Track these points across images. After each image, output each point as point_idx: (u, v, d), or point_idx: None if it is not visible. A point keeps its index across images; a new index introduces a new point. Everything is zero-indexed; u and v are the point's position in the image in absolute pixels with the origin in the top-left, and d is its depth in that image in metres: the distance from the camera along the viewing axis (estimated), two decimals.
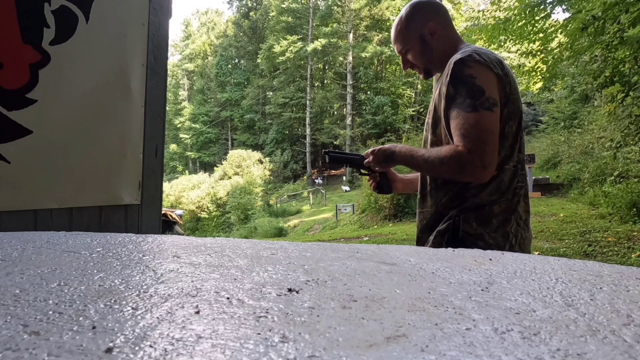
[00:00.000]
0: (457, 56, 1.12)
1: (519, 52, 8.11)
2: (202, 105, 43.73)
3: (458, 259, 0.62)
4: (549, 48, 7.33)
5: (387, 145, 1.31)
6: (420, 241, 1.26)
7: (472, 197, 1.13)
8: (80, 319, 0.34)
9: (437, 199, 1.21)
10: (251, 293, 0.42)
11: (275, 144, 35.69)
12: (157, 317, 0.34)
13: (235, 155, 30.47)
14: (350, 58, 31.75)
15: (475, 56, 1.08)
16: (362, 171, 1.44)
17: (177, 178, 34.13)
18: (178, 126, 44.20)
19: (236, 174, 28.63)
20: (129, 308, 0.37)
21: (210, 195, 26.99)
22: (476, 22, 8.80)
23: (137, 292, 0.42)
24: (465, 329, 0.33)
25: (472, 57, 1.08)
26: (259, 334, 0.31)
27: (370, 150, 1.34)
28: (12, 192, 1.22)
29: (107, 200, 1.44)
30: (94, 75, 1.40)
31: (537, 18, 6.68)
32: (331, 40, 31.56)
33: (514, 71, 1.32)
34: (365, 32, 31.37)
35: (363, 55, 30.06)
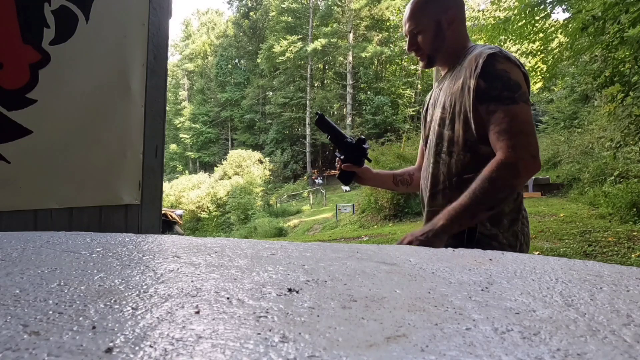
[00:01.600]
0: (485, 51, 1.11)
1: (519, 52, 8.11)
2: (202, 105, 43.74)
3: (458, 259, 0.62)
4: (549, 48, 7.34)
5: (427, 228, 1.10)
6: None
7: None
8: (80, 319, 0.34)
9: (452, 197, 1.13)
10: (251, 293, 0.42)
11: (275, 144, 35.69)
12: (157, 317, 0.34)
13: (235, 155, 30.47)
14: (350, 58, 31.75)
15: (506, 52, 1.10)
16: (336, 154, 1.45)
17: (177, 178, 34.13)
18: (178, 126, 44.21)
19: (236, 174, 28.63)
20: (129, 308, 0.37)
21: (210, 195, 26.99)
22: (476, 22, 8.80)
23: (137, 292, 0.42)
24: (465, 329, 0.33)
25: (502, 53, 1.09)
26: (259, 334, 0.31)
27: (411, 239, 1.11)
28: (12, 192, 1.22)
29: (107, 200, 1.44)
30: (94, 75, 1.40)
31: (537, 18, 6.68)
32: (331, 40, 31.56)
33: None
34: (365, 32, 31.37)
35: (363, 55, 30.07)
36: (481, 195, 1.02)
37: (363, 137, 1.45)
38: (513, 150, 1.01)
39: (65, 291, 0.42)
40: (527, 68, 7.81)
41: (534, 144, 1.03)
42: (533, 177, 10.53)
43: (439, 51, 1.26)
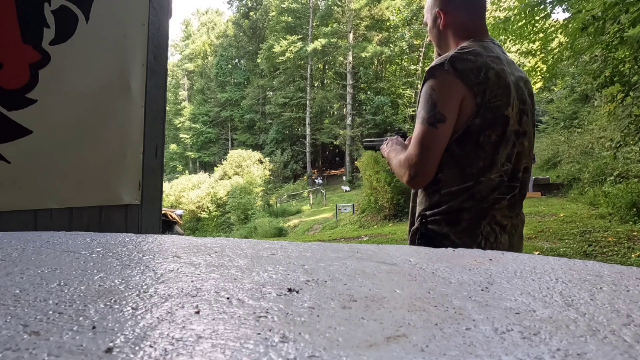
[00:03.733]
0: (434, 62, 1.14)
1: (518, 52, 8.11)
2: (202, 105, 43.72)
3: (458, 259, 0.62)
4: (549, 48, 7.33)
5: (392, 139, 1.37)
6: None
7: (445, 203, 1.15)
8: (80, 319, 0.34)
9: (416, 198, 1.26)
10: (251, 293, 0.42)
11: (275, 144, 35.68)
12: (157, 317, 0.34)
13: (235, 155, 30.46)
14: (350, 58, 31.75)
15: (446, 66, 1.08)
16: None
17: (177, 178, 34.12)
18: (178, 126, 44.20)
19: (236, 174, 28.63)
20: (129, 308, 0.37)
21: (210, 195, 26.99)
22: None
23: (137, 292, 0.42)
24: (465, 329, 0.33)
25: (442, 66, 1.09)
26: (259, 334, 0.31)
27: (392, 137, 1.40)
28: (12, 192, 1.22)
29: (107, 200, 1.44)
30: (94, 75, 1.40)
31: (537, 18, 6.68)
32: (331, 40, 31.55)
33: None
34: (365, 32, 31.37)
35: (363, 55, 30.06)
36: (395, 165, 1.24)
37: (402, 130, 1.47)
38: (406, 162, 1.17)
39: (65, 291, 0.42)
40: (527, 68, 7.82)
41: (418, 165, 1.12)
42: (533, 177, 10.53)
43: (439, 47, 1.29)
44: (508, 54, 1.24)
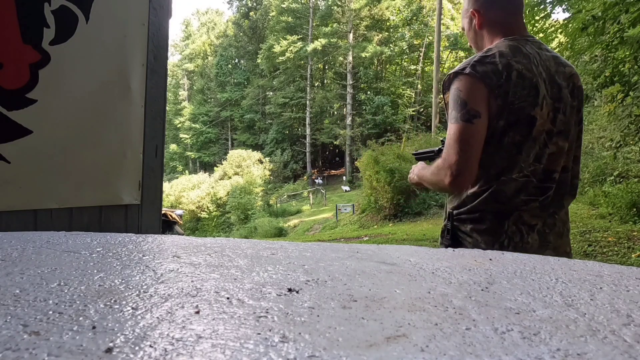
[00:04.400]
0: (458, 66, 1.14)
1: None
2: (202, 105, 43.70)
3: (458, 259, 0.62)
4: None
5: (414, 167, 1.39)
6: None
7: (469, 202, 1.16)
8: (80, 319, 0.34)
9: (448, 201, 1.28)
10: (251, 293, 0.42)
11: (275, 144, 35.68)
12: (157, 317, 0.34)
13: (235, 155, 30.46)
14: (350, 58, 31.74)
15: (468, 69, 1.09)
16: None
17: (177, 178, 34.11)
18: (178, 126, 44.19)
19: (236, 174, 28.62)
20: (129, 308, 0.37)
21: (210, 195, 26.98)
22: None
23: (137, 292, 0.42)
24: (465, 329, 0.33)
25: (464, 70, 1.10)
26: (259, 334, 0.31)
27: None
28: (12, 192, 1.22)
29: (107, 200, 1.44)
30: (94, 75, 1.40)
31: (537, 18, 6.68)
32: (331, 40, 31.54)
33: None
34: (365, 32, 31.36)
35: (363, 55, 30.05)
36: (430, 178, 1.21)
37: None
38: (443, 162, 1.12)
39: (65, 291, 0.42)
40: None
41: (459, 163, 1.07)
42: None
43: (477, 48, 1.27)
44: (552, 51, 1.20)
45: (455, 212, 1.19)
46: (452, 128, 1.10)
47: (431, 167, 1.21)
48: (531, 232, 1.13)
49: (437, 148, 1.41)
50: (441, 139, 1.33)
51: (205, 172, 35.23)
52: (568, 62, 1.20)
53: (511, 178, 1.10)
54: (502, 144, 1.10)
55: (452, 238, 1.19)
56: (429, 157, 1.46)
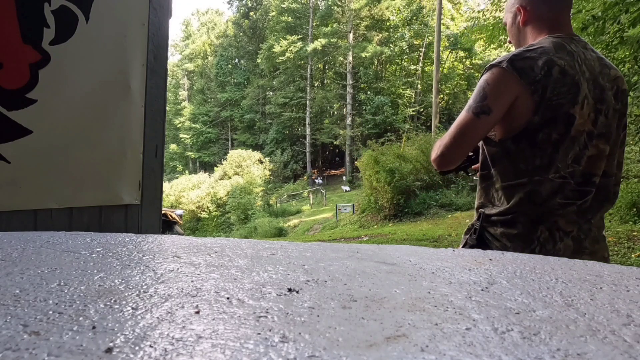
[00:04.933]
0: (497, 58, 1.13)
1: None
2: (202, 105, 43.71)
3: (458, 259, 0.62)
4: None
5: None
6: None
7: (499, 200, 1.14)
8: (80, 319, 0.34)
9: (476, 196, 1.25)
10: (251, 293, 0.42)
11: (275, 144, 35.68)
12: (157, 317, 0.34)
13: (235, 155, 30.46)
14: (350, 58, 31.75)
15: (505, 63, 1.07)
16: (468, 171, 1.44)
17: (177, 178, 34.11)
18: (178, 126, 44.18)
19: (236, 174, 28.63)
20: (129, 308, 0.37)
21: (210, 195, 26.98)
22: (476, 22, 8.79)
23: (137, 292, 0.42)
24: (465, 329, 0.33)
25: (501, 64, 1.08)
26: (259, 334, 0.31)
27: None
28: (12, 192, 1.22)
29: (107, 200, 1.44)
30: (94, 75, 1.40)
31: None
32: (331, 40, 31.55)
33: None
34: (365, 32, 31.37)
35: (363, 55, 30.05)
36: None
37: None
38: (438, 141, 1.19)
39: (65, 291, 0.42)
40: None
41: (447, 147, 1.14)
42: None
43: (518, 45, 1.24)
44: (597, 52, 1.17)
45: (486, 212, 1.17)
46: (462, 114, 1.12)
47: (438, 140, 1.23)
48: (565, 238, 1.09)
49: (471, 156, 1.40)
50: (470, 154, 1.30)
51: (205, 172, 35.23)
52: (613, 65, 1.17)
53: (547, 178, 1.07)
54: (536, 141, 1.07)
55: (479, 238, 1.17)
56: (462, 168, 1.41)
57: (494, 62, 1.12)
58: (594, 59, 1.12)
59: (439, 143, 1.18)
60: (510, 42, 1.31)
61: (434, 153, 1.18)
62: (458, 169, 1.40)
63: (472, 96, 1.12)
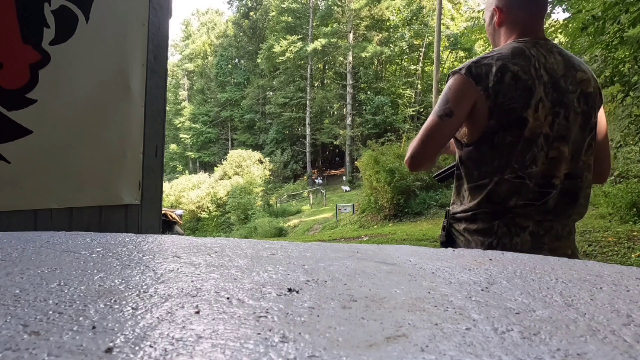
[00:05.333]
0: (459, 66, 1.20)
1: None
2: (202, 105, 43.70)
3: (458, 259, 0.62)
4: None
5: None
6: None
7: (466, 199, 1.22)
8: (80, 319, 0.34)
9: (451, 197, 1.33)
10: (251, 293, 0.42)
11: (275, 144, 35.68)
12: (157, 317, 0.34)
13: (235, 155, 30.46)
14: (350, 58, 31.74)
15: (464, 70, 1.15)
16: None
17: (177, 178, 34.11)
18: (178, 126, 44.18)
19: (236, 174, 28.62)
20: (129, 308, 0.37)
21: (210, 195, 26.98)
22: (476, 22, 8.79)
23: (137, 292, 0.42)
24: (465, 329, 0.33)
25: (460, 71, 1.16)
26: (259, 334, 0.31)
27: None
28: (12, 192, 1.22)
29: (107, 200, 1.44)
30: (94, 75, 1.40)
31: None
32: (331, 40, 31.54)
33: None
34: (365, 32, 31.36)
35: (363, 55, 30.05)
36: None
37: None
38: (412, 142, 1.25)
39: (65, 291, 0.42)
40: None
41: (415, 149, 1.21)
42: None
43: (493, 44, 1.29)
44: (567, 55, 1.18)
45: (452, 210, 1.25)
46: (429, 118, 1.20)
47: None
48: (522, 233, 1.13)
49: (453, 164, 1.44)
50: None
51: (205, 172, 35.23)
52: (584, 67, 1.18)
53: (503, 179, 1.12)
54: (493, 143, 1.13)
55: (447, 235, 1.27)
56: (449, 174, 1.46)
57: (456, 69, 1.19)
58: (558, 62, 1.15)
59: (410, 146, 1.25)
60: None
61: (406, 156, 1.24)
62: (447, 176, 1.47)
63: (438, 101, 1.20)
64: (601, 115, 1.22)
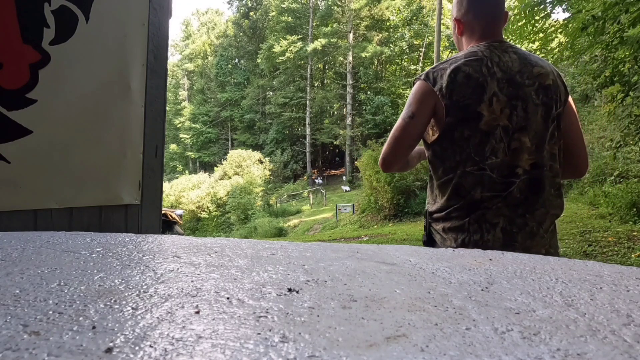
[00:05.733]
0: (421, 73, 1.32)
1: None
2: (202, 105, 43.69)
3: (458, 259, 0.62)
4: (549, 48, 7.32)
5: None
6: None
7: (440, 201, 1.25)
8: (80, 319, 0.34)
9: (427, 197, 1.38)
10: (251, 293, 0.42)
11: (275, 144, 35.68)
12: (157, 317, 0.34)
13: (235, 155, 30.45)
14: (350, 58, 31.74)
15: (423, 76, 1.26)
16: None
17: (177, 178, 34.11)
18: (178, 126, 44.17)
19: (236, 174, 28.62)
20: (129, 308, 0.37)
21: (210, 195, 26.98)
22: None
23: (137, 292, 0.42)
24: (465, 329, 0.33)
25: (421, 76, 1.27)
26: (259, 334, 0.31)
27: None
28: (12, 192, 1.22)
29: (107, 200, 1.44)
30: (94, 75, 1.40)
31: (537, 18, 6.67)
32: (331, 40, 31.54)
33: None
34: (365, 32, 31.36)
35: (363, 55, 30.06)
36: None
37: None
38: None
39: (65, 291, 0.42)
40: None
41: (386, 151, 1.30)
42: None
43: (460, 51, 1.37)
44: (523, 53, 1.25)
45: (429, 210, 1.30)
46: (397, 122, 1.29)
47: None
48: (492, 230, 1.15)
49: None
50: None
51: (205, 172, 35.22)
52: (543, 63, 1.24)
53: (465, 171, 1.18)
54: (454, 139, 1.20)
55: (427, 235, 1.32)
56: None
57: (418, 75, 1.30)
58: (513, 60, 1.22)
59: (383, 148, 1.33)
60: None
61: (380, 158, 1.32)
62: None
63: (405, 106, 1.30)
64: (570, 107, 1.26)
